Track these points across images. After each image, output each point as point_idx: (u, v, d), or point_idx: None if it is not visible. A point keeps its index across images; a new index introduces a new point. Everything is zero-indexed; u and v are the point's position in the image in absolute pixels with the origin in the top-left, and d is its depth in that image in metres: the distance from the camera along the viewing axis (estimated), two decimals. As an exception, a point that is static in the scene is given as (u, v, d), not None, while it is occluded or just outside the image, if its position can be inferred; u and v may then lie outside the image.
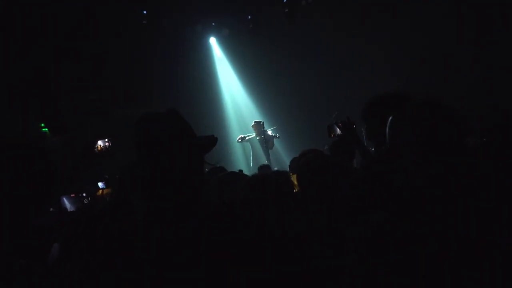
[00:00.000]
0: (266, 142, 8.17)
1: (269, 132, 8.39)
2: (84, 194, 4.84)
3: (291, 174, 3.63)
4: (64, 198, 4.86)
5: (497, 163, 1.58)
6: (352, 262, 1.22)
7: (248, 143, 8.64)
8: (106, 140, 3.33)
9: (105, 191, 4.50)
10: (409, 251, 1.17)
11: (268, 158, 8.04)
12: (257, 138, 8.37)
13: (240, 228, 1.44)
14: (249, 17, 9.30)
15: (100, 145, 3.44)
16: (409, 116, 1.37)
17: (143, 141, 1.56)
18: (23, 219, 1.35)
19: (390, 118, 1.39)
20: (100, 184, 4.79)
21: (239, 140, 8.60)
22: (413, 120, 1.34)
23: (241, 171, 3.62)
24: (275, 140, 8.52)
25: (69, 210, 4.58)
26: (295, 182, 3.17)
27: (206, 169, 2.14)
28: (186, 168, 1.54)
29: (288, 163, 5.40)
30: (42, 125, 8.88)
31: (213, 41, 10.28)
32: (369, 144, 2.77)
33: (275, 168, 8.18)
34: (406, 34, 7.83)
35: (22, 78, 7.97)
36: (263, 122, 8.42)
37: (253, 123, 8.50)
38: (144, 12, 8.63)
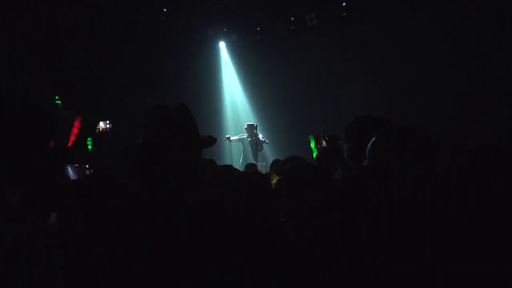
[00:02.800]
0: (256, 144, 8.23)
1: (260, 136, 8.45)
2: (87, 166, 4.84)
3: (273, 174, 3.68)
4: (68, 167, 4.86)
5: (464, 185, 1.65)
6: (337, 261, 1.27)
7: (240, 142, 8.69)
8: (108, 122, 3.23)
9: None
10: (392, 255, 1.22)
11: (256, 159, 8.10)
12: (249, 139, 8.43)
13: (226, 221, 1.45)
14: (258, 28, 9.37)
15: (101, 126, 3.35)
16: (386, 139, 1.41)
17: (152, 128, 1.56)
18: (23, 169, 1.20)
19: (372, 140, 1.44)
20: None
21: (226, 139, 8.62)
22: (390, 143, 1.39)
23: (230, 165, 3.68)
24: (264, 144, 8.58)
25: (71, 178, 4.58)
26: (274, 181, 3.24)
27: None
28: (185, 160, 1.54)
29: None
30: (56, 97, 8.83)
31: (222, 45, 10.34)
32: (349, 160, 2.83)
33: (263, 164, 8.23)
34: (394, 62, 7.98)
35: (43, 52, 7.93)
36: (256, 125, 8.48)
37: (246, 125, 8.56)
38: (164, 10, 8.65)
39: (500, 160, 1.64)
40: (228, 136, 8.66)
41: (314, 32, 8.79)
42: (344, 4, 8.09)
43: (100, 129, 3.07)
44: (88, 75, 8.42)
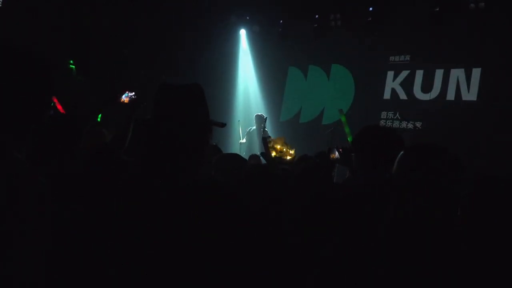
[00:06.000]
0: (263, 138, 8.21)
1: (267, 132, 8.43)
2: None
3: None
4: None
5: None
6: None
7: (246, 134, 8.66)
8: (133, 94, 3.16)
9: None
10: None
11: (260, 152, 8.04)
12: (256, 130, 8.43)
13: (225, 205, 1.44)
14: (281, 21, 9.36)
15: (124, 98, 3.26)
16: (415, 155, 1.48)
17: (163, 104, 1.55)
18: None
19: (401, 153, 1.51)
20: None
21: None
22: (421, 158, 1.46)
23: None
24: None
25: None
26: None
27: None
28: (194, 139, 1.53)
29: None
30: (71, 62, 8.90)
31: (242, 33, 10.33)
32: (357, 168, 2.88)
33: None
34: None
35: (63, 16, 8.00)
36: (266, 117, 8.49)
37: (257, 114, 8.56)
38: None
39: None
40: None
41: (336, 32, 8.78)
42: (371, 9, 8.08)
43: (124, 101, 2.99)
44: (106, 45, 8.47)
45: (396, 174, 1.46)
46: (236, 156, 3.09)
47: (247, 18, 9.85)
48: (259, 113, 8.62)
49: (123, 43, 8.67)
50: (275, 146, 3.64)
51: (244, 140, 8.55)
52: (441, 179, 1.39)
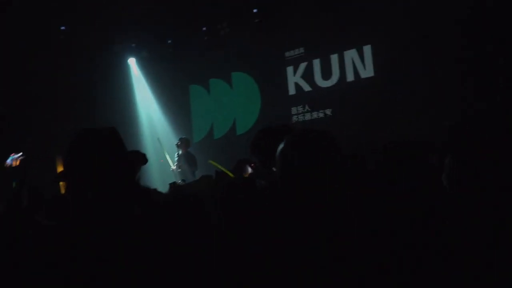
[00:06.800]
0: (189, 162, 7.85)
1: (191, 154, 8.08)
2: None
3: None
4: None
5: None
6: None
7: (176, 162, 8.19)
8: (20, 155, 2.75)
9: None
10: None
11: (192, 177, 7.54)
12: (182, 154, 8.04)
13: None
14: (169, 41, 9.06)
15: (8, 163, 2.88)
16: (292, 143, 1.51)
17: (82, 153, 1.54)
18: None
19: (280, 147, 1.53)
20: None
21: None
22: (296, 147, 1.49)
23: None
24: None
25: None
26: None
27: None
28: (122, 182, 1.54)
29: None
30: None
31: (132, 61, 9.84)
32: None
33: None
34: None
35: None
36: (185, 140, 8.16)
37: (180, 140, 8.17)
38: (63, 28, 7.98)
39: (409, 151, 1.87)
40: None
41: (228, 40, 8.70)
42: (255, 10, 8.12)
43: (14, 164, 2.60)
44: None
45: (279, 169, 1.49)
46: (155, 190, 2.84)
47: (133, 45, 9.39)
48: (184, 137, 8.28)
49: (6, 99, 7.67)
50: None
51: (174, 167, 8.08)
52: (320, 162, 1.42)
